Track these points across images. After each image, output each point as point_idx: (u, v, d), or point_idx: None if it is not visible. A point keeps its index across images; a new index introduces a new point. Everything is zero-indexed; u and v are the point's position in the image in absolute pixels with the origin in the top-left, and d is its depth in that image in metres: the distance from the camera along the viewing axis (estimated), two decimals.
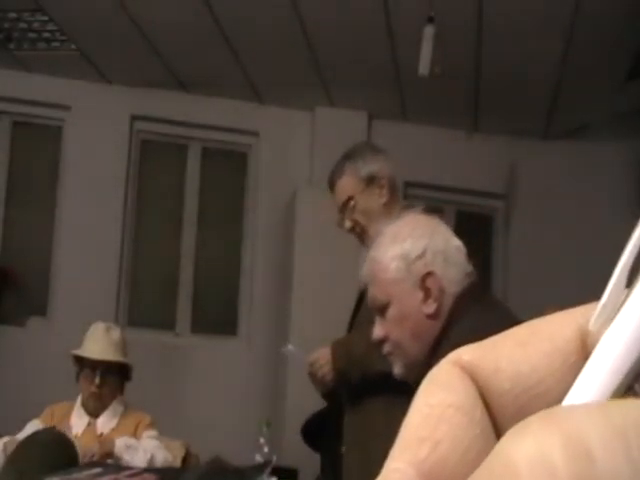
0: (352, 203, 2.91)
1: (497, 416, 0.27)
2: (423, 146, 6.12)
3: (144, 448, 3.30)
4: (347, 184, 2.93)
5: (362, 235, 2.93)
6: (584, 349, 0.26)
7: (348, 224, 2.95)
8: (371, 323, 2.13)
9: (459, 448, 0.25)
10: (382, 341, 2.03)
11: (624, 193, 6.19)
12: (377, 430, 2.48)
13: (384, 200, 2.91)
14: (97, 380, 3.48)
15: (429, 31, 4.46)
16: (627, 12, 4.52)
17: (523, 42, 4.93)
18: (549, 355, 0.27)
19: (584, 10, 4.53)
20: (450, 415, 0.26)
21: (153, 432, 3.48)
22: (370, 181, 2.92)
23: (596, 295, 0.27)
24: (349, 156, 3.00)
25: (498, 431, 0.26)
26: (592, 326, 0.26)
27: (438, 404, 0.26)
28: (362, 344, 2.56)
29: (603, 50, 4.96)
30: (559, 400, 0.25)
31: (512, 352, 0.27)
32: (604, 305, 0.26)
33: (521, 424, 0.23)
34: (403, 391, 2.20)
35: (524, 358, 0.27)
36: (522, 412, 0.26)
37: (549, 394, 0.26)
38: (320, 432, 3.59)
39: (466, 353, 0.28)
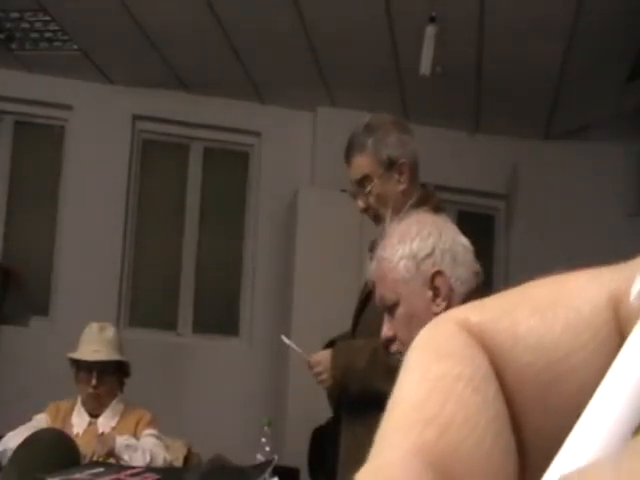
0: (368, 187, 2.69)
1: (514, 394, 0.22)
2: (424, 146, 6.10)
3: (143, 448, 3.30)
4: (365, 164, 2.70)
5: (375, 218, 2.73)
6: (617, 322, 0.22)
7: (361, 205, 2.74)
8: (375, 334, 2.12)
9: (472, 434, 0.21)
10: (390, 340, 2.04)
11: (624, 193, 6.19)
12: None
13: (402, 187, 2.68)
14: (94, 381, 3.47)
15: (430, 31, 4.46)
16: (628, 13, 4.52)
17: (524, 42, 4.93)
18: (575, 326, 0.22)
19: (585, 11, 4.54)
20: (459, 391, 0.21)
21: (153, 430, 3.48)
22: (390, 165, 2.69)
23: None
24: (372, 131, 2.73)
25: (513, 413, 0.22)
26: (634, 299, 0.21)
27: (442, 375, 0.21)
28: (363, 359, 2.49)
29: (604, 51, 4.96)
30: (589, 382, 0.21)
31: (530, 318, 0.22)
32: None
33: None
34: None
35: (546, 327, 0.22)
36: (547, 391, 0.22)
37: (578, 372, 0.22)
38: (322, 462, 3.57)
39: (474, 313, 0.23)
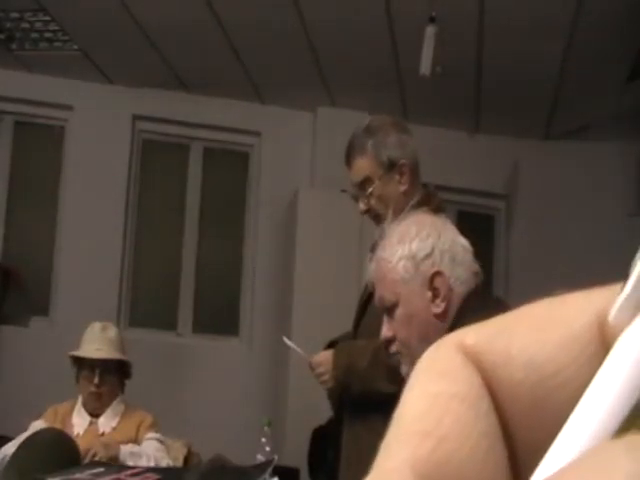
0: (369, 189, 2.69)
1: (507, 410, 0.24)
2: (424, 146, 6.09)
3: (147, 454, 3.30)
4: (366, 166, 2.71)
5: (376, 219, 2.73)
6: (603, 339, 0.24)
7: (362, 207, 2.74)
8: (376, 336, 2.12)
9: (465, 446, 0.23)
10: (390, 341, 2.04)
11: (624, 193, 6.19)
12: (377, 447, 2.36)
13: (403, 188, 2.69)
14: (96, 379, 3.47)
15: (430, 31, 4.46)
16: (628, 12, 4.52)
17: (524, 42, 4.93)
18: (566, 343, 0.24)
19: (585, 11, 4.54)
20: (455, 407, 0.23)
21: (155, 434, 3.48)
22: (391, 167, 2.69)
23: None
24: (372, 132, 2.74)
25: (506, 427, 0.24)
26: (612, 318, 0.23)
27: (439, 393, 0.23)
28: (365, 360, 2.49)
29: (604, 50, 4.96)
30: (579, 393, 0.23)
31: (523, 337, 0.24)
32: (627, 297, 0.23)
33: (618, 446, 0.20)
34: None
35: (538, 345, 0.24)
36: (539, 406, 0.24)
37: (568, 386, 0.24)
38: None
39: (470, 336, 0.25)
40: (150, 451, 3.33)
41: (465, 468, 0.23)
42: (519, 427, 0.24)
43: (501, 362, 0.24)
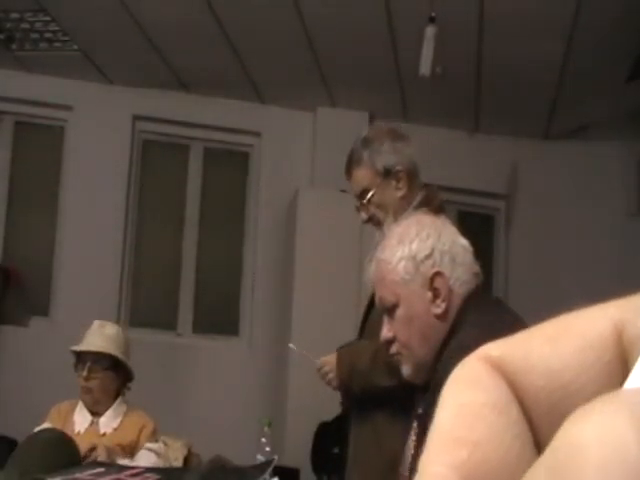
0: (368, 197, 2.78)
1: (531, 414, 0.26)
2: (424, 146, 6.10)
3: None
4: (363, 177, 2.80)
5: (378, 226, 2.81)
6: (619, 347, 0.26)
7: (364, 216, 2.83)
8: (378, 334, 2.13)
9: (499, 450, 0.25)
10: (390, 342, 2.04)
11: (624, 193, 6.19)
12: (381, 444, 2.44)
13: (401, 193, 2.77)
14: (84, 372, 3.47)
15: (430, 31, 4.46)
16: (628, 13, 4.52)
17: (524, 42, 4.93)
18: (582, 352, 0.26)
19: (585, 11, 4.54)
20: (485, 414, 0.25)
21: (153, 445, 3.46)
22: (387, 174, 2.77)
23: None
24: (368, 143, 2.83)
25: (532, 430, 0.26)
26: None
27: (470, 403, 0.26)
28: (366, 358, 2.54)
29: (604, 51, 4.96)
30: (595, 397, 0.24)
31: (542, 348, 0.26)
32: None
33: (585, 407, 0.22)
34: (407, 405, 2.22)
35: (555, 354, 0.26)
36: (556, 410, 0.26)
37: (584, 392, 0.26)
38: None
39: (494, 349, 0.27)
40: (145, 465, 3.32)
41: (500, 471, 0.24)
42: (541, 431, 0.26)
43: (523, 371, 0.26)
